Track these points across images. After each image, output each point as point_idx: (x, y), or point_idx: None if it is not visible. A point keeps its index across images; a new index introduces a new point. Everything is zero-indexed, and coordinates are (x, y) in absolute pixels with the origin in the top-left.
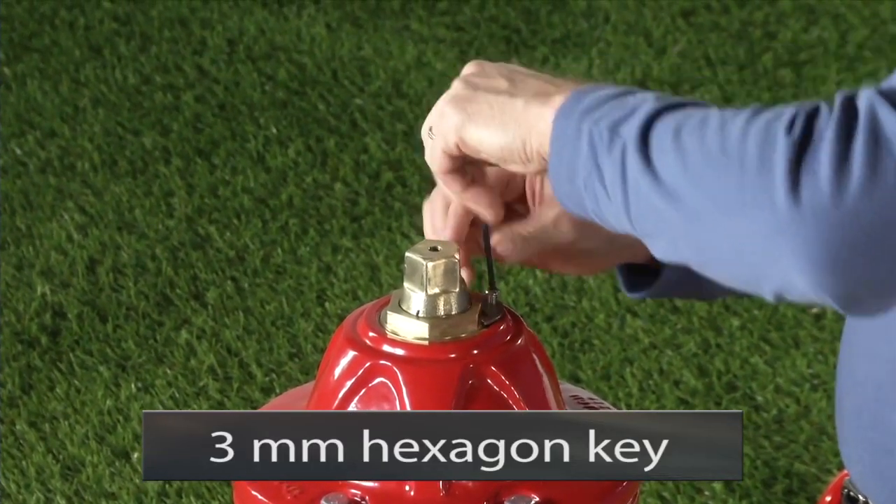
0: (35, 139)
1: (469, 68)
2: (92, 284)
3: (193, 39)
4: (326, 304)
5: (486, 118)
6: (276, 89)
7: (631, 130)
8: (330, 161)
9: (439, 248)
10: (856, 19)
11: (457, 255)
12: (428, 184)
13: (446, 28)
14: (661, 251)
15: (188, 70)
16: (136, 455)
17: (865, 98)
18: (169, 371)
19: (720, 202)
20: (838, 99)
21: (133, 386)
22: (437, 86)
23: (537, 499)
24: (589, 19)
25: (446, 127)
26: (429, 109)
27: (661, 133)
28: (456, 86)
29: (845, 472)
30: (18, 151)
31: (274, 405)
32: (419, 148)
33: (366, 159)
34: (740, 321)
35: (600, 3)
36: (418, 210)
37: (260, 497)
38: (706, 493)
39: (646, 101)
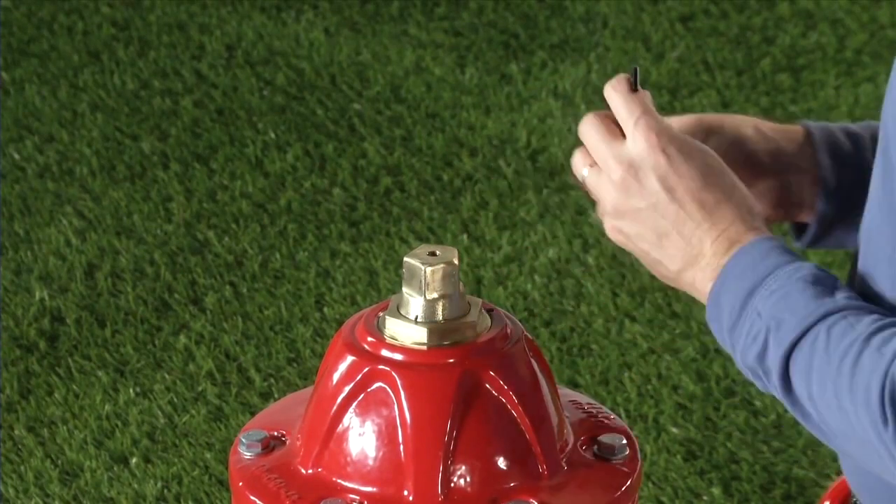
0: (33, 144)
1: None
2: (90, 289)
3: (192, 44)
4: (325, 309)
5: (649, 260)
6: (274, 94)
7: (775, 359)
8: (328, 166)
9: (438, 252)
10: (854, 24)
11: (455, 260)
12: (426, 189)
13: (444, 33)
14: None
15: (187, 75)
16: (134, 460)
17: None
18: (167, 376)
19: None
20: None
21: (131, 391)
22: (436, 90)
23: (535, 503)
24: (587, 24)
25: (622, 238)
26: (427, 114)
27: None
28: (629, 185)
29: (843, 478)
30: (17, 156)
31: (272, 410)
32: (417, 153)
33: (364, 164)
34: None
35: (599, 8)
36: (417, 215)
37: (259, 502)
38: (705, 497)
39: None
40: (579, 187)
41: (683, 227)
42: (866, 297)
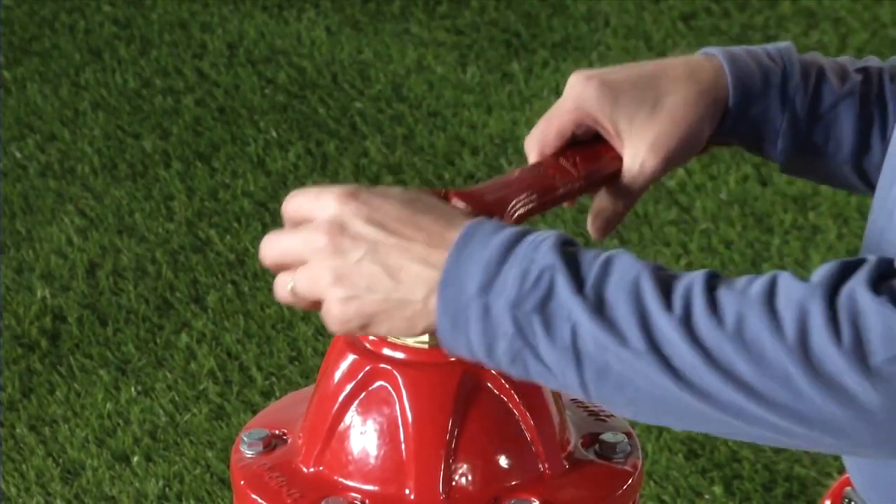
0: (35, 143)
1: (318, 232)
2: (92, 288)
3: (193, 43)
4: None
5: (377, 320)
6: (276, 93)
7: (578, 316)
8: (330, 164)
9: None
10: (856, 23)
11: None
12: (427, 187)
13: (446, 32)
14: (629, 414)
15: (188, 74)
16: (135, 459)
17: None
18: (169, 375)
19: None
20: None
21: (133, 389)
22: (437, 89)
23: (537, 502)
24: (589, 23)
25: (343, 320)
26: (429, 113)
27: (628, 312)
28: (321, 253)
29: (846, 476)
30: (18, 155)
31: (274, 409)
32: (418, 152)
33: (366, 163)
34: None
35: (600, 6)
36: None
37: (260, 501)
38: (706, 496)
39: (554, 268)
40: (296, 306)
41: (412, 252)
42: None
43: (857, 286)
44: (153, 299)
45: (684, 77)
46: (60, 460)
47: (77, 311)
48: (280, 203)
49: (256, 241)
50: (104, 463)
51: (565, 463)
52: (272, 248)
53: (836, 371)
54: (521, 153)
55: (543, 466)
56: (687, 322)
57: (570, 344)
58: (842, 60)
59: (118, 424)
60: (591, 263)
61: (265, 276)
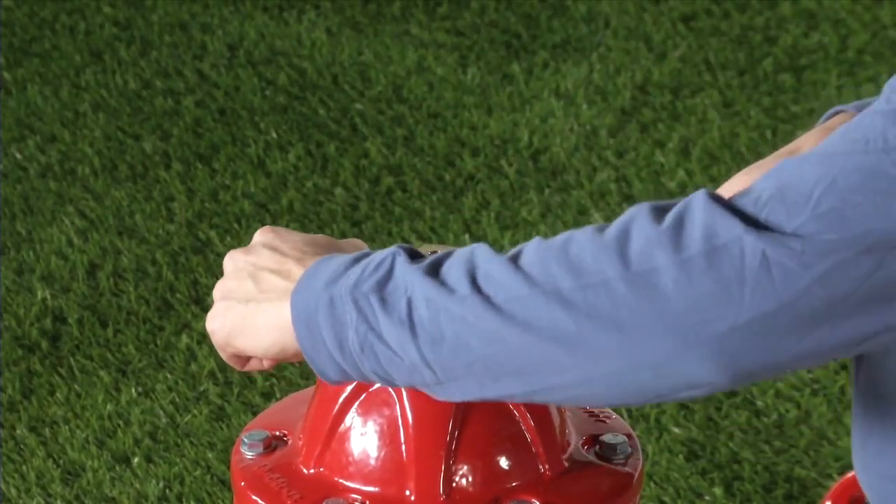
0: (35, 144)
1: (232, 257)
2: (92, 289)
3: (194, 44)
4: None
5: (243, 330)
6: (276, 94)
7: (412, 285)
8: (330, 166)
9: (440, 252)
10: (856, 24)
11: None
12: (428, 188)
13: (446, 33)
14: (474, 389)
15: (188, 75)
16: (136, 460)
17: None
18: (169, 376)
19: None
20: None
21: (133, 390)
22: (438, 90)
23: (537, 503)
24: (589, 24)
25: (217, 337)
26: (429, 114)
27: (459, 277)
28: (225, 276)
29: (846, 477)
30: (19, 156)
31: (274, 410)
32: (419, 153)
33: (366, 164)
34: None
35: (601, 8)
36: (419, 214)
37: (261, 502)
38: (706, 497)
39: (388, 256)
40: (249, 371)
41: (284, 266)
42: None
43: (695, 195)
44: (154, 300)
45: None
46: (61, 461)
47: (77, 313)
48: (280, 204)
49: None
50: (104, 464)
51: (566, 464)
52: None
53: (652, 267)
54: (521, 154)
55: (544, 467)
56: (515, 259)
57: (406, 316)
58: None
59: (118, 425)
60: (432, 255)
61: None
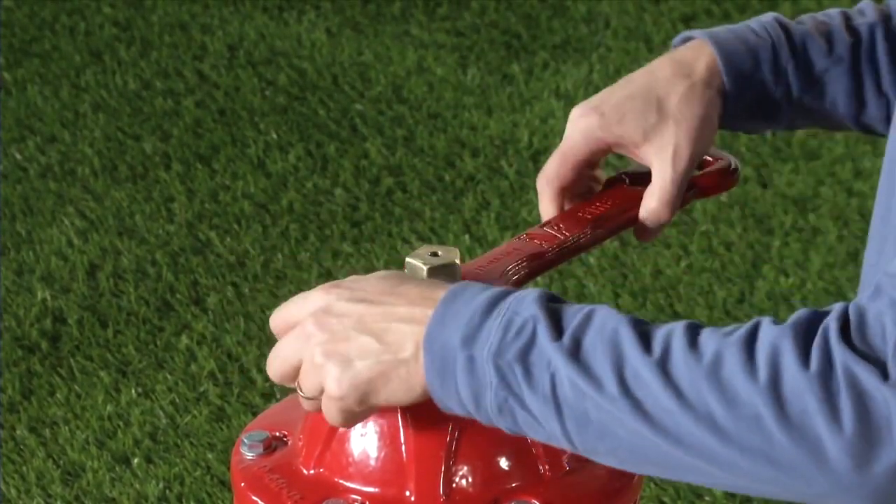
0: (35, 144)
1: (320, 323)
2: (92, 290)
3: (194, 45)
4: None
5: (380, 388)
6: (276, 95)
7: (556, 363)
8: (330, 166)
9: (439, 253)
10: None
11: (457, 261)
12: (428, 189)
13: (446, 33)
14: (614, 464)
15: (188, 75)
16: (135, 460)
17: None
18: (169, 376)
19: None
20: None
21: (133, 391)
22: (437, 91)
23: (537, 503)
24: (589, 25)
25: (349, 401)
26: (429, 115)
27: (603, 362)
28: (329, 340)
29: None
30: (19, 157)
31: (274, 410)
32: (419, 153)
33: (366, 164)
34: None
35: (601, 8)
36: (419, 215)
37: (261, 502)
38: (706, 498)
39: (534, 320)
40: (310, 406)
41: (397, 314)
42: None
43: (829, 330)
44: (153, 301)
45: (675, 76)
46: (61, 462)
47: (77, 313)
48: (280, 205)
49: (256, 242)
50: (104, 465)
51: (566, 464)
52: (273, 362)
53: (804, 411)
54: (521, 154)
55: (544, 468)
56: (664, 363)
57: (550, 392)
58: (830, 20)
59: (118, 426)
60: (573, 315)
61: (265, 278)
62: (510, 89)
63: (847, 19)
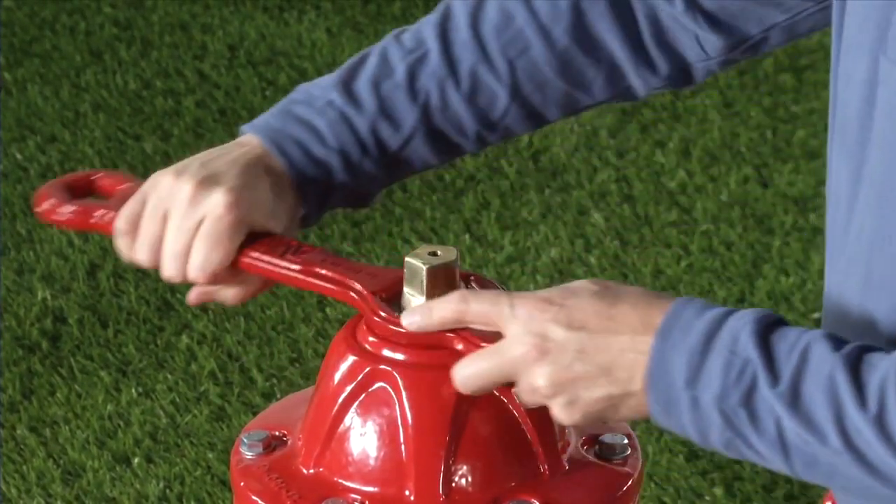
0: (36, 144)
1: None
2: (93, 289)
3: (194, 44)
4: (327, 309)
5: (609, 417)
6: (276, 94)
7: (780, 411)
8: None
9: (439, 252)
10: None
11: (457, 260)
12: (428, 188)
13: None
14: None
15: (189, 75)
16: (136, 460)
17: None
18: (170, 376)
19: None
20: None
21: (134, 391)
22: None
23: (537, 503)
24: None
25: (585, 423)
26: None
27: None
28: (558, 371)
29: None
30: (19, 156)
31: (274, 410)
32: None
33: None
34: None
35: None
36: (419, 214)
37: (260, 502)
38: (707, 497)
39: (753, 358)
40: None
41: (620, 345)
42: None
43: None
44: (154, 301)
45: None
46: (61, 462)
47: (78, 313)
48: None
49: None
50: (105, 464)
51: (565, 464)
52: (474, 376)
53: None
54: (521, 154)
55: (543, 467)
56: (880, 420)
57: (777, 437)
58: (394, 83)
59: (119, 426)
60: (788, 354)
61: None
62: None
63: (413, 77)
